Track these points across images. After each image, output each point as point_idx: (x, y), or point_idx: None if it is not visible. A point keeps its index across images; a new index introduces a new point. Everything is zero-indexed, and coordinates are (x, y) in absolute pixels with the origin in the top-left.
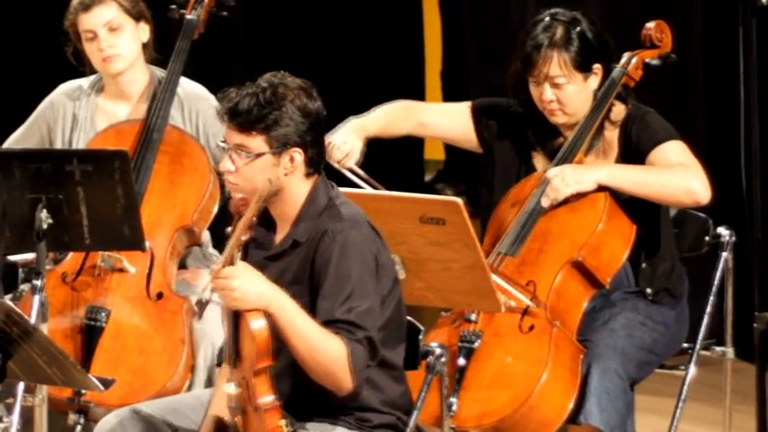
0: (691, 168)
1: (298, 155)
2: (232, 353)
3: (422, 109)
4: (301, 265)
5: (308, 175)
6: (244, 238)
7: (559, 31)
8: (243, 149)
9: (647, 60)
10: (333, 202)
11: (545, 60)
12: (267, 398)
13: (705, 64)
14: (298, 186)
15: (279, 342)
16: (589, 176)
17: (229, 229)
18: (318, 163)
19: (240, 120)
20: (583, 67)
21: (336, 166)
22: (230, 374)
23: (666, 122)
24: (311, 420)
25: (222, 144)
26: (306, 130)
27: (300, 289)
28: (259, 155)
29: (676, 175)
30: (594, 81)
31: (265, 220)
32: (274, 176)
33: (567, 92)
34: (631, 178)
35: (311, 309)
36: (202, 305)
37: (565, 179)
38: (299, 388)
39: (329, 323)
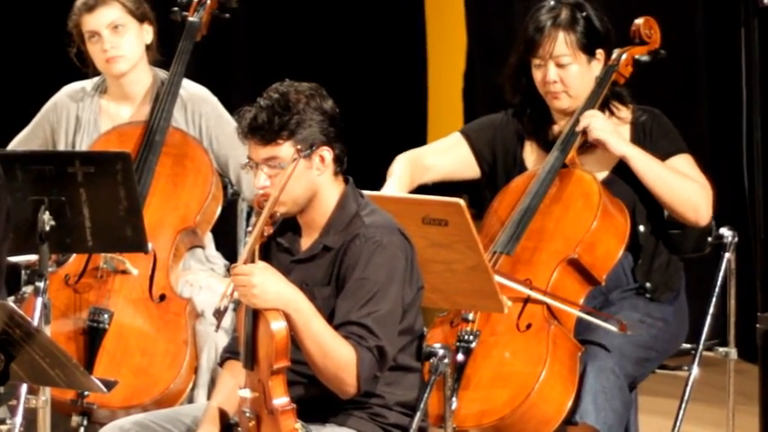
0: (707, 190)
1: (327, 153)
2: (249, 355)
3: (422, 156)
4: (331, 267)
5: (336, 173)
6: (266, 233)
7: (564, 13)
8: (274, 161)
9: (636, 57)
10: (363, 208)
11: (550, 39)
12: (283, 399)
13: (707, 64)
14: (329, 189)
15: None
16: (621, 141)
17: (249, 228)
18: (344, 160)
19: (263, 132)
20: (587, 49)
21: None
22: (245, 379)
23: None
24: (326, 423)
25: (249, 163)
26: (328, 126)
27: (329, 290)
28: (293, 160)
29: (693, 190)
30: (597, 67)
31: (291, 226)
32: (309, 180)
33: (571, 72)
34: (655, 171)
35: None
36: (220, 314)
37: (605, 122)
38: (313, 391)
39: (346, 324)
